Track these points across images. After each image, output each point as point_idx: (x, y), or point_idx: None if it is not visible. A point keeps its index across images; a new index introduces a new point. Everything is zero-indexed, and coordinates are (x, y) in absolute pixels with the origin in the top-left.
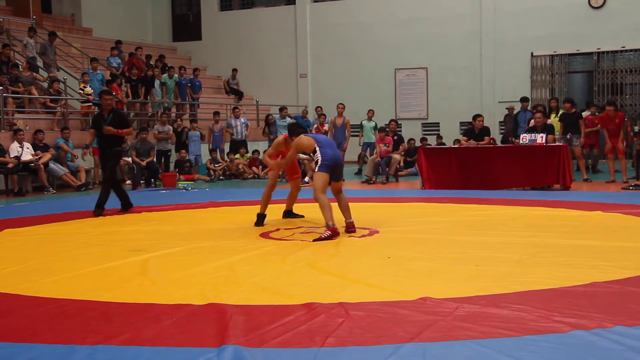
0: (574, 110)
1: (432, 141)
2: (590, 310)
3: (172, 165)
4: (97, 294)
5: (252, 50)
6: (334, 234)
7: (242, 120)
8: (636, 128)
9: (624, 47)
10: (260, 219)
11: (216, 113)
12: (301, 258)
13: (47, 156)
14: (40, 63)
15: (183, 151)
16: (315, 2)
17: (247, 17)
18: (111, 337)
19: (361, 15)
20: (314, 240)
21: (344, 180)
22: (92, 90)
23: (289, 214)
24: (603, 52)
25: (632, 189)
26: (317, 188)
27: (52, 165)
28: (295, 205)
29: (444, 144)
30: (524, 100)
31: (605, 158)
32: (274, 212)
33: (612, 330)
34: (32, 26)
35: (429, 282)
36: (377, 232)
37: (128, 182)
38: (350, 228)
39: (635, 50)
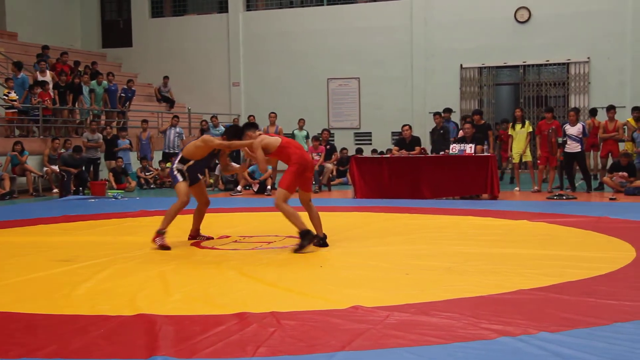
0: (483, 122)
1: (366, 152)
2: (516, 317)
3: (101, 174)
4: (21, 305)
5: (184, 58)
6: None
7: (178, 129)
8: (559, 139)
9: (547, 60)
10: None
11: (144, 121)
12: (233, 267)
13: None
14: None
15: (120, 159)
16: (248, 10)
17: (179, 24)
18: (36, 350)
19: (294, 25)
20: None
21: (210, 187)
22: (17, 97)
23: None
24: (528, 65)
25: (556, 199)
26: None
27: None
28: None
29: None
30: (446, 111)
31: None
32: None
33: (537, 336)
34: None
35: (360, 291)
36: None
37: (55, 190)
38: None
39: (559, 64)
